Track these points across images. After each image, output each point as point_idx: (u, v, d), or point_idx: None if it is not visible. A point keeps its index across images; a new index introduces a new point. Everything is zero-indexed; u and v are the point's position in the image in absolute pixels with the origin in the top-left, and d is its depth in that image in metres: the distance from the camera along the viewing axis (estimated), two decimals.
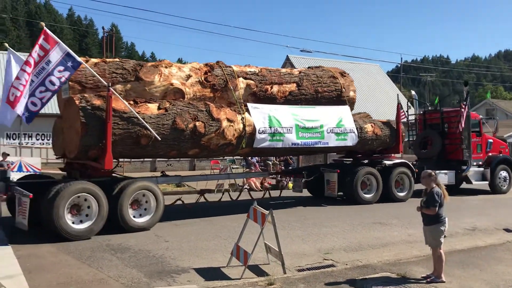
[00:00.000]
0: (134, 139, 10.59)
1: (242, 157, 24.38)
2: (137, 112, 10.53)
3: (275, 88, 13.66)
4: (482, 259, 8.32)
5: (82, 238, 9.71)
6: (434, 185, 7.10)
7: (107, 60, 11.38)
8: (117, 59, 11.69)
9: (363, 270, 7.53)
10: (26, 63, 9.25)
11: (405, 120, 17.98)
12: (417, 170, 16.15)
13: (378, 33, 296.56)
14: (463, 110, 17.56)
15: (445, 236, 7.26)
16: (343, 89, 14.96)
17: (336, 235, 10.35)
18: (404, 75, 53.00)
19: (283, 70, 14.53)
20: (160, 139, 10.80)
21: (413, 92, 20.51)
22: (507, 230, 11.08)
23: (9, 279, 7.04)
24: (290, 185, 18.76)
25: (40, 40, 9.37)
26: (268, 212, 7.18)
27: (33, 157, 21.98)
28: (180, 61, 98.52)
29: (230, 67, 13.15)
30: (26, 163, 17.18)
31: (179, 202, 13.29)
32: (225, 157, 25.19)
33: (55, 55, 9.39)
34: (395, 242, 9.73)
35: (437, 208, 6.93)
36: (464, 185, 18.85)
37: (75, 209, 9.78)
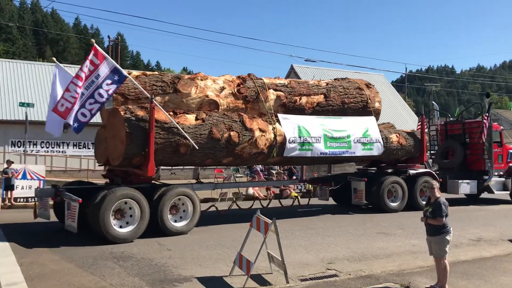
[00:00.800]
0: (174, 148, 11.18)
1: (246, 166, 24.55)
2: (176, 123, 11.14)
3: (304, 99, 14.18)
4: (486, 270, 8.25)
5: (126, 241, 10.24)
6: (439, 195, 7.07)
7: (147, 73, 11.97)
8: (156, 72, 12.27)
9: (366, 280, 7.48)
10: (77, 77, 9.92)
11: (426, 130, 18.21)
12: (440, 180, 16.53)
13: (383, 43, 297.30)
14: (485, 121, 17.96)
15: (448, 247, 7.22)
16: (369, 100, 15.45)
17: (339, 244, 10.30)
18: (408, 84, 52.98)
19: (311, 82, 15.03)
20: (197, 148, 11.38)
21: (434, 104, 20.76)
22: None
23: (12, 286, 7.04)
24: (294, 193, 18.82)
25: (91, 56, 10.14)
26: (271, 221, 7.17)
27: (37, 165, 22.08)
28: (185, 70, 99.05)
29: (261, 79, 13.70)
30: (30, 171, 17.22)
31: (212, 208, 14.15)
32: (230, 167, 25.37)
33: (104, 70, 10.13)
34: (399, 253, 9.67)
35: (444, 219, 6.91)
36: (484, 195, 19.09)
37: (119, 214, 10.40)
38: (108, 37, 48.13)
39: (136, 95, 11.35)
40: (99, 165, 13.10)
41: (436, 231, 7.02)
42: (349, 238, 11.07)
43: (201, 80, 12.45)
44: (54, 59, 12.11)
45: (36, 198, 11.74)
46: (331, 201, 17.22)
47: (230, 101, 12.74)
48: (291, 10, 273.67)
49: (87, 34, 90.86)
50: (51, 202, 11.65)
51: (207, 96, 12.32)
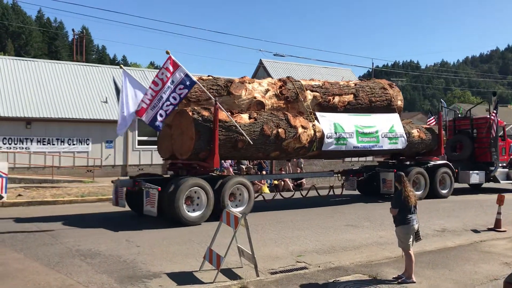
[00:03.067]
0: (233, 143, 12.86)
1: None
2: (234, 121, 12.71)
3: (336, 99, 15.68)
4: (451, 259, 8.49)
5: (195, 224, 11.83)
6: (400, 187, 7.24)
7: (203, 77, 13.32)
8: (210, 77, 13.57)
9: (336, 272, 7.58)
10: (154, 83, 11.71)
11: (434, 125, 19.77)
12: (456, 171, 18.60)
13: (351, 39, 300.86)
14: (493, 117, 19.76)
15: (420, 239, 7.38)
16: (392, 99, 17.03)
17: (309, 237, 10.40)
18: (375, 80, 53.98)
19: (341, 82, 16.63)
20: (252, 143, 13.01)
21: (442, 101, 22.17)
22: (475, 231, 11.35)
23: None
24: (265, 188, 18.97)
25: (166, 64, 11.72)
26: (241, 215, 7.17)
27: None
28: (152, 64, 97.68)
29: (298, 81, 15.19)
30: None
31: (260, 197, 15.28)
32: None
33: (177, 76, 11.65)
34: (367, 244, 9.84)
35: (397, 210, 7.10)
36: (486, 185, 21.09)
37: (189, 200, 12.04)
38: (73, 30, 46.92)
39: (197, 98, 12.84)
40: (162, 160, 14.56)
41: (397, 221, 7.23)
42: (318, 230, 11.20)
43: (249, 83, 13.99)
44: (122, 65, 13.39)
45: (113, 189, 13.12)
46: (311, 194, 17.39)
47: (273, 101, 14.25)
48: (260, 4, 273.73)
49: (50, 27, 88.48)
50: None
51: (254, 97, 13.83)
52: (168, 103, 11.58)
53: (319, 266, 8.00)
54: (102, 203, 16.55)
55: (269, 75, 33.07)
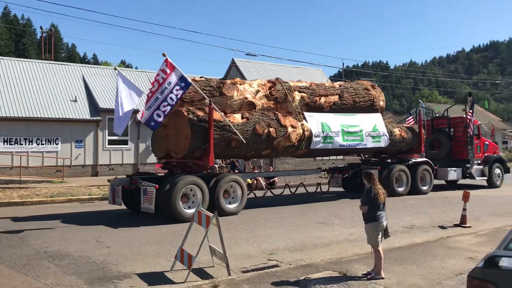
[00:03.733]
0: (227, 142, 13.30)
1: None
2: (228, 121, 13.17)
3: (323, 99, 16.28)
4: (419, 255, 8.65)
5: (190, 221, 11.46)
6: (369, 185, 7.34)
7: (196, 79, 13.59)
8: (203, 78, 13.97)
9: (307, 269, 7.63)
10: (152, 84, 12.18)
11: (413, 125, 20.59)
12: (436, 168, 19.31)
13: (322, 39, 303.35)
14: (469, 117, 20.60)
15: (388, 235, 7.50)
16: (375, 99, 17.71)
17: (280, 235, 10.44)
18: (345, 79, 54.50)
19: (327, 84, 17.38)
20: (245, 142, 13.47)
21: (420, 102, 22.93)
22: (442, 227, 11.61)
23: None
24: None
25: (163, 66, 12.11)
26: (212, 214, 7.13)
27: None
28: (123, 63, 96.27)
29: (287, 82, 15.72)
30: None
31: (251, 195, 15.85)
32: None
33: (173, 78, 12.03)
34: (337, 241, 9.94)
35: (367, 207, 7.20)
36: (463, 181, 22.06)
37: (185, 198, 12.45)
38: (41, 28, 45.74)
39: (191, 98, 13.16)
40: (157, 159, 14.84)
41: (366, 219, 7.33)
42: (289, 228, 11.25)
43: (240, 84, 14.39)
44: (117, 67, 13.72)
45: (109, 187, 13.55)
46: (286, 192, 17.68)
47: (264, 102, 14.71)
48: (232, 4, 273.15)
49: (17, 25, 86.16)
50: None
51: (246, 98, 14.27)
52: (166, 103, 11.88)
53: (290, 264, 8.04)
54: (71, 203, 16.23)
55: (241, 75, 33.04)
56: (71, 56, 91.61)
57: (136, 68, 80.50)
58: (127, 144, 26.36)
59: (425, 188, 18.65)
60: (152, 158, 26.59)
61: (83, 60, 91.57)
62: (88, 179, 23.62)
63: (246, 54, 32.71)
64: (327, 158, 29.89)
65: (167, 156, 13.81)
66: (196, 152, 12.97)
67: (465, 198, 11.74)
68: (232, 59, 34.59)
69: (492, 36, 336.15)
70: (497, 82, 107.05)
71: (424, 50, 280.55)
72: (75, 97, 25.99)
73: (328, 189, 18.60)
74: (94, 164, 25.66)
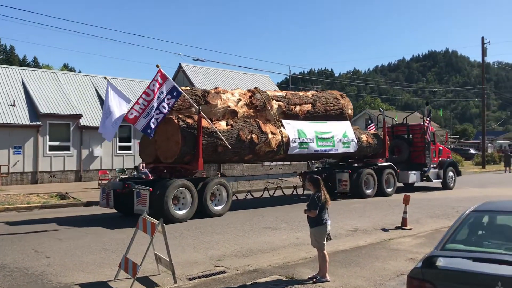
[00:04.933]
0: (214, 148, 14.16)
1: (134, 168, 24.09)
2: (215, 128, 14.05)
3: (298, 108, 17.42)
4: (362, 258, 8.87)
5: (182, 221, 12.99)
6: (316, 190, 7.45)
7: (182, 88, 14.05)
8: (188, 88, 15.25)
9: (254, 275, 7.63)
10: (145, 93, 12.87)
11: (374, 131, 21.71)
12: (399, 171, 20.68)
13: (270, 46, 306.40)
14: (427, 124, 22.15)
15: (330, 238, 7.63)
16: (344, 108, 19.04)
17: (227, 241, 10.40)
18: (292, 86, 55.29)
19: (301, 93, 18.60)
20: (230, 147, 14.32)
21: (381, 109, 24.02)
22: (384, 230, 11.96)
23: None
24: None
25: (157, 77, 12.93)
26: (158, 221, 6.99)
27: None
28: (65, 66, 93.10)
29: (265, 92, 16.85)
30: None
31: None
32: (116, 168, 24.47)
33: (166, 87, 12.92)
34: (284, 246, 10.02)
35: (317, 211, 7.28)
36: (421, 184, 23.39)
37: (176, 200, 13.23)
38: None
39: (178, 107, 13.94)
40: (145, 164, 15.30)
41: (313, 222, 7.41)
42: (237, 234, 11.23)
43: (223, 93, 15.29)
44: (106, 77, 14.31)
45: (100, 191, 14.15)
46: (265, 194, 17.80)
47: (245, 110, 15.65)
48: (180, 8, 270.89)
49: None
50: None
51: (229, 106, 15.19)
52: (158, 111, 12.75)
53: (237, 270, 8.01)
54: (9, 213, 15.43)
55: (188, 80, 32.78)
56: (10, 58, 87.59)
57: (80, 71, 78.07)
58: (69, 150, 25.39)
59: (389, 190, 19.87)
60: (96, 165, 25.86)
61: (23, 63, 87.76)
62: (27, 187, 22.58)
63: (194, 59, 32.42)
64: (274, 163, 30.17)
65: (156, 161, 14.47)
66: (186, 157, 13.76)
67: (406, 201, 12.16)
68: (179, 64, 34.24)
69: (430, 46, 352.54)
70: (434, 90, 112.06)
71: (367, 58, 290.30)
72: (14, 101, 24.81)
73: (303, 192, 19.43)
74: (34, 171, 24.54)
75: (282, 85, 70.25)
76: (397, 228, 12.11)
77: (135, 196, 12.90)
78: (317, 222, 7.36)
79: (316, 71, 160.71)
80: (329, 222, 7.44)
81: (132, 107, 12.82)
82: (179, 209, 13.26)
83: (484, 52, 42.26)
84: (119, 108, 13.12)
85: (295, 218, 13.38)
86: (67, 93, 26.64)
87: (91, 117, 26.25)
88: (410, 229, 11.92)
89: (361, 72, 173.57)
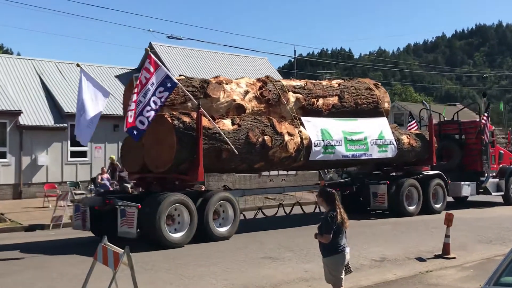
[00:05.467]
0: (217, 153, 14.26)
1: (90, 180, 24.07)
2: (218, 128, 14.11)
3: (320, 101, 17.45)
4: None
5: (178, 246, 13.23)
6: (329, 208, 7.42)
7: (175, 78, 14.02)
8: (183, 77, 15.14)
9: None
10: (135, 86, 12.81)
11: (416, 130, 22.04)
12: (449, 181, 20.67)
13: (268, 20, 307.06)
14: (484, 121, 22.06)
15: (350, 271, 7.61)
16: (379, 101, 19.08)
17: (215, 276, 10.40)
18: (298, 71, 55.30)
19: (324, 82, 18.64)
20: (237, 152, 14.37)
21: (424, 102, 23.76)
22: (420, 259, 12.00)
23: None
24: None
25: (146, 64, 12.95)
26: (123, 251, 6.98)
27: None
28: (1, 48, 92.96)
29: (279, 81, 17.17)
30: None
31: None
32: (67, 181, 24.48)
33: (157, 77, 12.83)
34: (288, 281, 10.02)
35: (331, 235, 7.23)
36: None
37: (170, 219, 13.38)
38: None
39: (171, 101, 14.00)
40: (131, 173, 15.65)
41: (326, 251, 7.38)
42: (227, 266, 11.24)
43: (226, 84, 15.44)
44: (80, 63, 14.68)
45: (73, 209, 14.63)
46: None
47: (254, 104, 15.81)
48: None
49: None
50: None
51: (234, 100, 15.34)
52: (149, 108, 12.65)
53: None
54: None
55: (162, 63, 32.84)
56: None
57: (19, 54, 78.01)
58: (4, 157, 25.29)
59: (438, 206, 20.00)
60: (41, 177, 25.75)
61: None
62: None
63: (168, 37, 32.49)
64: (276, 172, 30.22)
65: (143, 170, 14.64)
66: (182, 165, 13.92)
67: (448, 222, 12.18)
68: (150, 43, 34.25)
69: (478, 18, 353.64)
70: (484, 75, 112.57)
71: (396, 35, 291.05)
72: None
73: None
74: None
75: (284, 71, 70.40)
76: (436, 256, 12.15)
77: (118, 215, 13.06)
78: (331, 250, 7.34)
79: (329, 52, 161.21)
80: (347, 250, 7.43)
81: (128, 110, 12.82)
82: (175, 231, 13.46)
83: None
84: (94, 102, 13.34)
85: (302, 244, 13.38)
86: (2, 83, 26.59)
87: (33, 113, 26.18)
88: (454, 258, 11.96)
89: (388, 53, 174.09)
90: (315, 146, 16.31)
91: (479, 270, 10.62)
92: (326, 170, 24.15)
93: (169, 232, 13.22)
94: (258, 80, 16.59)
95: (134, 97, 12.60)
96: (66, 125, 25.95)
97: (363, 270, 10.79)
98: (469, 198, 23.25)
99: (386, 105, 19.44)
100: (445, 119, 24.97)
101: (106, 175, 22.64)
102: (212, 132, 14.04)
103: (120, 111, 27.18)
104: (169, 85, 12.95)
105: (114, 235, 12.67)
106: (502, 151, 23.89)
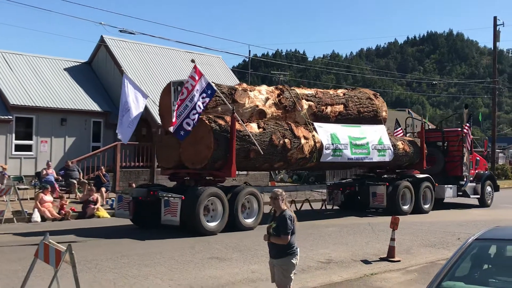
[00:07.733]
0: (246, 153, 16.29)
1: (35, 175, 23.85)
2: (248, 131, 16.11)
3: (329, 109, 19.59)
4: None
5: (214, 234, 15.09)
6: (286, 207, 7.42)
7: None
8: (213, 83, 16.10)
9: None
10: (181, 93, 14.89)
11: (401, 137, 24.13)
12: (437, 184, 22.80)
13: (223, 18, 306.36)
14: (466, 130, 24.37)
15: (294, 273, 7.64)
16: (378, 110, 21.22)
17: (160, 275, 10.31)
18: (252, 71, 55.36)
19: (331, 92, 20.84)
20: (262, 153, 16.39)
21: (410, 111, 25.23)
22: (365, 262, 12.17)
23: None
24: (102, 212, 18.51)
25: (192, 73, 15.03)
26: (65, 248, 6.83)
27: None
28: None
29: (293, 89, 19.17)
30: None
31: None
32: (11, 176, 23.84)
33: (201, 85, 14.92)
34: (235, 282, 10.02)
35: (289, 236, 7.23)
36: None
37: (206, 210, 15.29)
38: None
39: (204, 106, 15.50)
40: (165, 169, 17.23)
41: (280, 252, 7.34)
42: (173, 266, 11.16)
43: (250, 91, 17.40)
44: (124, 69, 15.88)
45: (115, 199, 16.83)
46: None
47: (273, 110, 17.81)
48: None
49: None
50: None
51: (257, 106, 17.31)
52: (195, 111, 14.69)
53: None
54: None
55: (112, 58, 32.29)
56: None
57: None
58: None
59: (427, 206, 22.12)
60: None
61: None
62: None
63: (120, 31, 31.96)
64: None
65: (179, 166, 16.47)
66: (217, 163, 15.84)
67: (394, 225, 12.38)
68: (101, 36, 33.68)
69: (429, 26, 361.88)
70: (434, 82, 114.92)
71: (350, 39, 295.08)
72: None
73: (333, 207, 22.36)
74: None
75: (239, 70, 70.41)
76: (382, 259, 12.34)
77: (162, 205, 14.92)
78: (286, 251, 7.30)
79: (283, 53, 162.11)
80: (298, 250, 7.43)
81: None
82: (209, 221, 15.30)
83: (496, 37, 43.51)
84: (136, 104, 15.28)
85: (250, 245, 13.42)
86: None
87: None
88: (399, 261, 12.17)
89: (341, 57, 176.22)
90: (326, 149, 18.29)
91: (422, 274, 10.85)
92: (276, 171, 25.68)
93: (206, 221, 15.05)
94: (276, 88, 18.70)
95: (178, 101, 14.63)
96: (11, 117, 25.18)
97: (310, 271, 10.87)
98: (445, 200, 25.09)
99: (384, 113, 21.53)
100: (429, 127, 27.08)
101: (51, 170, 22.19)
102: (243, 134, 16.02)
103: (68, 105, 26.81)
104: (209, 91, 15.04)
105: (150, 224, 15.90)
106: (478, 158, 26.20)
